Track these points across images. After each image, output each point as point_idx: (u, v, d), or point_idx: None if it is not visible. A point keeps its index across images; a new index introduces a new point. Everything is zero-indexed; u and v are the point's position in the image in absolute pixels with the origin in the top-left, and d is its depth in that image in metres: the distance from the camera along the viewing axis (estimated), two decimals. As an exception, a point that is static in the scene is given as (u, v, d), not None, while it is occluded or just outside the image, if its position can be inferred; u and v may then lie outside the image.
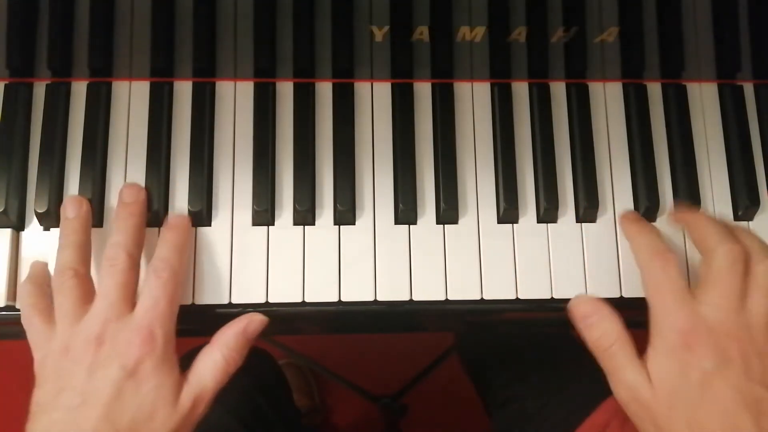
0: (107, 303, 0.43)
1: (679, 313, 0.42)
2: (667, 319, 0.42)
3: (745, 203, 0.51)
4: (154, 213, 0.48)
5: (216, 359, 0.44)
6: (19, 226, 0.48)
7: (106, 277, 0.43)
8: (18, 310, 0.47)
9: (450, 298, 0.49)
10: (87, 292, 0.44)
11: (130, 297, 0.44)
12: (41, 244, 0.48)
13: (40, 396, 0.42)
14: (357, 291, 0.48)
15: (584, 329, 0.45)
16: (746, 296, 0.42)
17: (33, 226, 0.49)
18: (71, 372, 0.41)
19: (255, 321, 0.46)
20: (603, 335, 0.44)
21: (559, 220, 0.50)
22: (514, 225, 0.50)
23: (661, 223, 0.51)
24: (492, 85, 0.52)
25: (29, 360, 0.44)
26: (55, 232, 0.48)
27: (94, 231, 0.48)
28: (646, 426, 0.43)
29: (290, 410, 0.80)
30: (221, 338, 0.45)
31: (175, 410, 0.42)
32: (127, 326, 0.42)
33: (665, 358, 0.42)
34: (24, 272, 0.47)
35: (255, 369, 0.77)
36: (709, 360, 0.41)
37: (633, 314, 0.45)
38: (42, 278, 0.46)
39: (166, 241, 0.46)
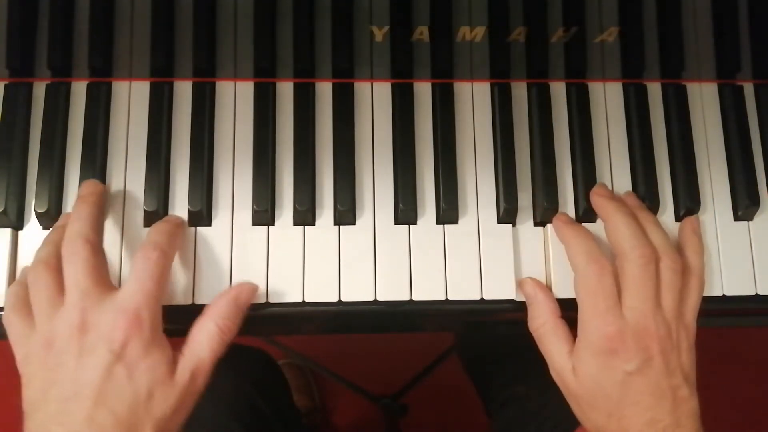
0: (79, 291, 0.41)
1: (608, 319, 0.44)
2: (595, 322, 0.44)
3: (745, 203, 0.51)
4: (154, 213, 0.48)
5: (210, 329, 0.44)
6: (18, 226, 0.48)
7: (69, 267, 0.42)
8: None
9: (450, 298, 0.49)
10: (59, 288, 0.43)
11: (103, 281, 0.43)
12: (35, 244, 0.48)
13: (30, 394, 0.41)
14: (357, 291, 0.48)
15: (528, 308, 0.49)
16: (659, 295, 0.45)
17: (30, 226, 0.49)
18: (58, 364, 0.40)
19: (246, 290, 0.46)
20: (534, 317, 0.48)
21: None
22: (514, 225, 0.50)
23: (661, 223, 0.51)
24: (492, 85, 0.52)
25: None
26: (55, 232, 0.48)
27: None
28: (574, 407, 0.47)
29: (290, 410, 0.80)
30: (213, 308, 0.45)
31: (172, 387, 0.41)
32: (109, 310, 0.41)
33: (591, 357, 0.44)
34: (19, 271, 0.47)
35: (254, 369, 0.77)
36: (632, 363, 0.43)
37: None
38: (20, 281, 0.46)
39: (157, 227, 0.46)
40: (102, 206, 0.47)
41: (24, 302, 0.44)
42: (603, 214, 0.49)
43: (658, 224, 0.48)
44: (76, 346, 0.40)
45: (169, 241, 0.45)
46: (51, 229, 0.47)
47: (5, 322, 0.44)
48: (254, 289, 0.46)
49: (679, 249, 0.49)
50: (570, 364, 0.45)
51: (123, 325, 0.40)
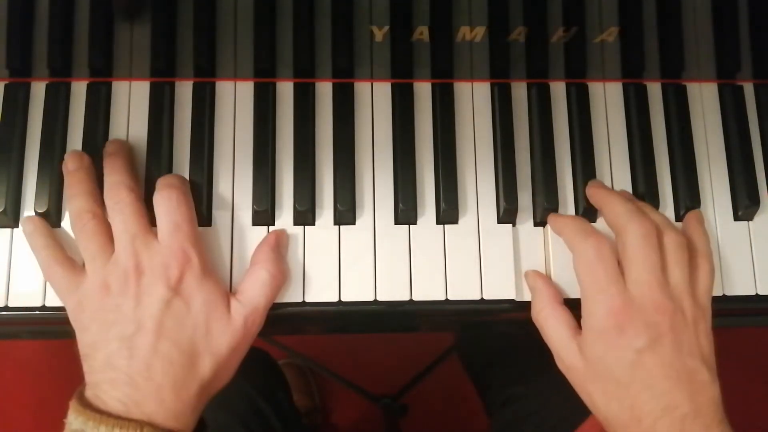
0: (130, 237, 0.43)
1: (610, 291, 0.42)
2: (599, 298, 0.43)
3: (745, 203, 0.51)
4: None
5: (262, 277, 0.45)
6: (15, 226, 0.49)
7: (116, 216, 0.44)
8: (14, 310, 0.47)
9: (450, 298, 0.49)
10: (109, 233, 0.44)
11: (148, 226, 0.44)
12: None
13: (88, 337, 0.42)
14: (357, 291, 0.48)
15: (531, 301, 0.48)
16: (665, 269, 0.43)
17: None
18: (117, 306, 0.42)
19: (281, 235, 0.48)
20: (534, 306, 0.47)
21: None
22: (514, 225, 0.50)
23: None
24: (492, 85, 0.52)
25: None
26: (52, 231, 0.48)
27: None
28: (583, 395, 0.45)
29: (290, 410, 0.80)
30: (260, 257, 0.46)
31: (229, 325, 0.43)
32: (158, 252, 0.43)
33: (597, 338, 0.43)
34: (20, 272, 0.47)
35: (254, 370, 0.77)
36: (640, 339, 0.41)
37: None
38: (47, 229, 0.47)
39: (165, 176, 0.47)
40: (130, 158, 0.48)
41: (61, 252, 0.45)
42: (598, 201, 0.48)
43: (656, 209, 0.48)
44: (134, 289, 0.42)
45: (178, 177, 0.46)
46: (75, 179, 0.46)
47: (47, 273, 0.45)
48: (285, 233, 0.48)
49: (686, 236, 0.47)
50: (574, 345, 0.44)
51: (175, 263, 0.42)
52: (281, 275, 0.46)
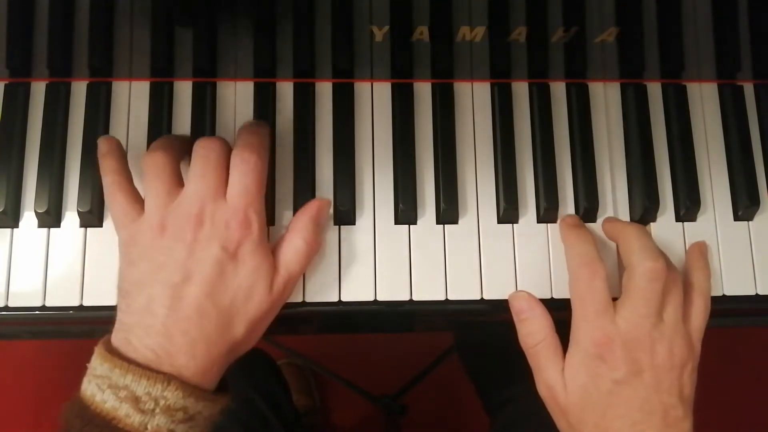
0: (205, 183, 0.42)
1: (597, 324, 0.43)
2: (585, 328, 0.44)
3: (745, 203, 0.51)
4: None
5: (298, 246, 0.45)
6: (15, 226, 0.48)
7: (200, 160, 0.43)
8: (14, 310, 0.47)
9: (450, 298, 0.49)
10: (177, 179, 0.44)
11: (224, 183, 0.43)
12: (35, 244, 0.48)
13: (134, 274, 0.42)
14: (357, 291, 0.48)
15: (517, 324, 0.47)
16: (663, 312, 0.44)
17: (25, 226, 0.48)
18: (171, 249, 0.41)
19: (323, 206, 0.47)
20: (531, 333, 0.46)
21: (559, 220, 0.50)
22: (514, 225, 0.50)
23: (660, 223, 0.51)
24: (492, 85, 0.52)
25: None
26: (53, 231, 0.48)
27: (93, 231, 0.48)
28: (561, 423, 0.46)
29: (290, 411, 0.80)
30: (298, 225, 0.46)
31: (270, 293, 0.43)
32: (223, 209, 0.42)
33: (579, 365, 0.44)
34: (20, 272, 0.47)
35: (254, 370, 0.77)
36: (619, 371, 0.42)
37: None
38: (121, 154, 0.46)
39: (246, 129, 0.46)
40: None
41: (129, 183, 0.45)
42: (614, 235, 0.48)
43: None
44: (191, 236, 0.41)
45: (261, 140, 0.45)
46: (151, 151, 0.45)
47: (108, 198, 0.45)
48: (329, 202, 0.48)
49: (686, 269, 0.48)
50: (562, 380, 0.44)
51: (236, 226, 0.42)
52: (317, 245, 0.46)
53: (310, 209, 0.46)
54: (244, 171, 0.43)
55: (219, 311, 0.41)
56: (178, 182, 0.43)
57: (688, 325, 0.45)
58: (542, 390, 0.46)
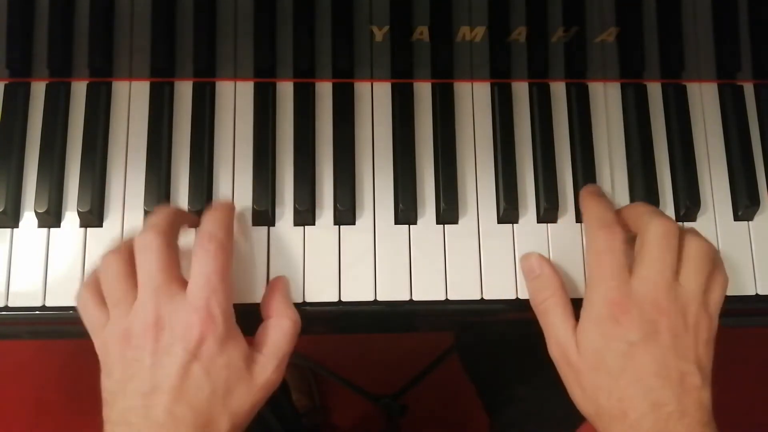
0: (152, 288, 0.41)
1: (612, 285, 0.42)
2: (599, 289, 0.43)
3: (745, 203, 0.51)
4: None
5: (286, 327, 0.44)
6: (14, 226, 0.49)
7: (143, 263, 0.42)
8: (14, 310, 0.47)
9: (450, 298, 0.49)
10: (134, 277, 0.42)
11: (176, 277, 0.42)
12: (35, 244, 0.48)
13: (110, 385, 0.41)
14: (357, 291, 0.48)
15: (527, 284, 0.47)
16: (679, 271, 0.43)
17: (25, 226, 0.48)
18: (136, 360, 0.40)
19: (287, 281, 0.47)
20: (539, 289, 0.46)
21: (559, 220, 0.50)
22: (514, 225, 0.50)
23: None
24: (492, 85, 0.52)
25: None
26: (53, 231, 0.48)
27: (93, 231, 0.48)
28: (573, 387, 0.44)
29: (290, 411, 0.80)
30: (277, 306, 0.45)
31: (251, 383, 0.42)
32: (182, 307, 0.41)
33: (593, 326, 0.43)
34: (20, 272, 0.48)
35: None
36: (634, 333, 0.41)
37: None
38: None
39: (208, 217, 0.45)
40: (179, 213, 0.47)
41: (98, 291, 0.43)
42: (622, 212, 0.47)
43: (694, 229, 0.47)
44: (152, 344, 0.40)
45: (224, 229, 0.44)
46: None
47: (81, 310, 0.44)
48: (287, 279, 0.48)
49: None
50: (573, 339, 0.43)
51: (197, 323, 0.40)
52: (299, 319, 0.45)
53: (280, 288, 0.46)
54: (204, 261, 0.42)
55: (195, 412, 0.40)
56: (134, 282, 0.42)
57: (708, 297, 0.43)
58: (553, 350, 0.45)
